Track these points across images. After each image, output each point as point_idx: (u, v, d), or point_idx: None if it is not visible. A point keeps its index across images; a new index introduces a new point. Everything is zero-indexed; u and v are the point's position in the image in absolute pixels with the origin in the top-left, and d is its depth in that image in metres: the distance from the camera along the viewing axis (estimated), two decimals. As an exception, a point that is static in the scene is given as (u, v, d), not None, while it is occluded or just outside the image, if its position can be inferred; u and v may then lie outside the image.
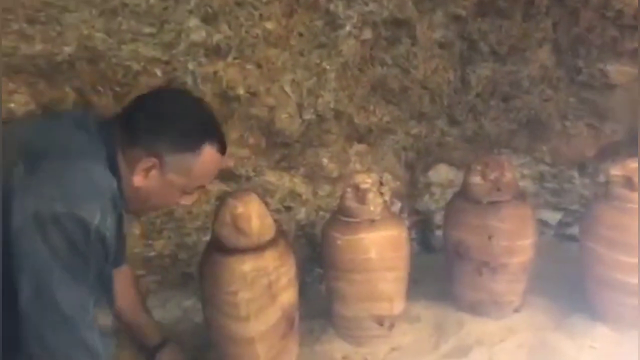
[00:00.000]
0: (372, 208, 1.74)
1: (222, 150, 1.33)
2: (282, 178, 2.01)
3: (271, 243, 1.55)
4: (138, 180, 1.25)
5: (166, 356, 1.63)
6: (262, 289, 1.52)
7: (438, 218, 2.34)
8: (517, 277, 1.85)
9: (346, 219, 1.76)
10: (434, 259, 2.26)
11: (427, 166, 2.34)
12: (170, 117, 1.27)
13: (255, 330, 1.54)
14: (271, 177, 1.98)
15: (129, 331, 1.62)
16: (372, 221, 1.73)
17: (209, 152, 1.29)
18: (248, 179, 1.92)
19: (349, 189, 1.78)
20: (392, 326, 1.80)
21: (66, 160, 1.16)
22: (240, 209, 1.51)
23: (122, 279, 1.51)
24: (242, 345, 1.56)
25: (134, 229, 1.77)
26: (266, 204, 1.96)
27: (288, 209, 2.03)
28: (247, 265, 1.51)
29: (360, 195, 1.75)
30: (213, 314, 1.57)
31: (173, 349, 1.65)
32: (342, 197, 1.79)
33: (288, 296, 1.59)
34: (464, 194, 1.88)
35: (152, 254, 1.83)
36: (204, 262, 1.56)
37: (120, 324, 1.58)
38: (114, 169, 1.22)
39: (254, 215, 1.51)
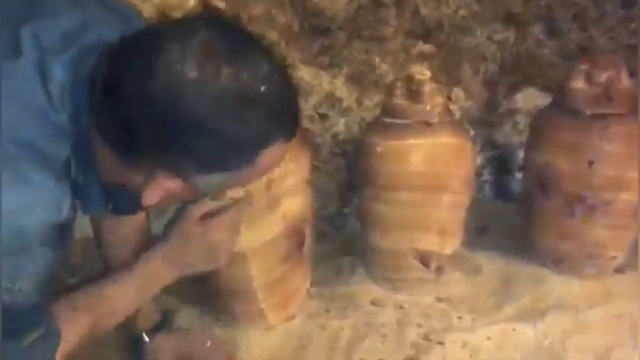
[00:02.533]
0: (428, 107, 1.28)
1: (293, 136, 0.82)
2: (319, 77, 1.58)
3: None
4: (149, 198, 0.80)
5: (166, 344, 1.14)
6: (259, 189, 1.11)
7: (521, 156, 1.84)
8: (624, 222, 1.34)
9: (392, 120, 1.31)
10: (510, 210, 1.78)
11: (513, 87, 1.83)
12: (211, 117, 0.72)
13: (247, 243, 1.13)
14: (305, 73, 1.56)
15: None
16: (427, 124, 1.28)
17: (270, 153, 0.78)
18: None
19: (399, 83, 1.34)
20: (440, 270, 1.35)
21: None
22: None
23: (127, 229, 1.08)
24: (232, 264, 1.15)
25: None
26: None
27: (323, 118, 1.60)
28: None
29: (415, 90, 1.29)
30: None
31: (175, 335, 1.18)
32: (390, 94, 1.34)
33: (295, 205, 1.17)
34: (560, 103, 1.38)
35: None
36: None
37: None
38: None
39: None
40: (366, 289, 1.38)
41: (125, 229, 1.07)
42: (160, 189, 0.79)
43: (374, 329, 1.29)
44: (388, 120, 1.31)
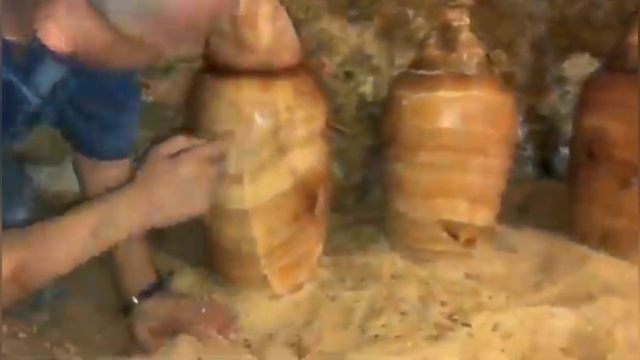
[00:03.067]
0: (464, 57, 1.14)
1: None
2: (345, 30, 1.44)
3: (289, 71, 1.00)
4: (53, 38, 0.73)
5: (156, 308, 1.02)
6: (264, 135, 0.98)
7: (567, 129, 1.67)
8: (686, 196, 1.17)
9: (423, 71, 1.16)
10: (554, 188, 1.61)
11: (563, 52, 1.65)
12: None
13: (250, 198, 1.01)
14: (330, 26, 1.42)
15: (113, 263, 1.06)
16: (462, 76, 1.13)
17: None
18: (297, 23, 1.37)
19: (432, 32, 1.19)
20: (471, 243, 1.20)
21: None
22: (244, 9, 0.97)
23: (111, 177, 1.00)
24: (232, 222, 1.04)
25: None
26: (321, 66, 1.43)
27: (349, 76, 1.46)
28: (244, 92, 0.97)
29: (450, 37, 1.15)
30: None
31: (167, 300, 1.04)
32: (422, 44, 1.20)
33: (306, 159, 1.03)
34: (614, 62, 1.21)
35: (150, 99, 1.35)
36: (192, 91, 1.05)
37: None
38: None
39: (263, 19, 0.97)
40: (387, 260, 1.24)
41: (108, 177, 0.98)
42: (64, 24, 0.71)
43: (393, 304, 1.14)
44: (418, 72, 1.17)
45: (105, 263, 1.15)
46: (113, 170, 1.00)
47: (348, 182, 1.56)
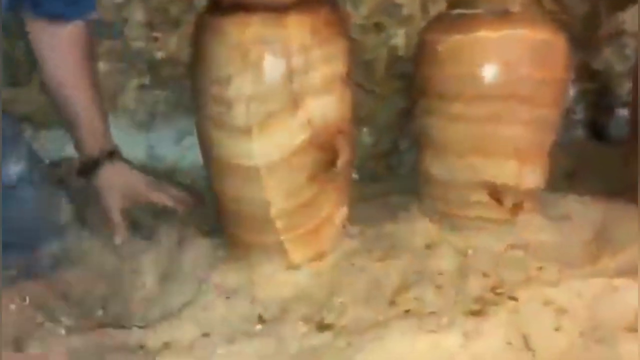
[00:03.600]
0: (507, -8, 0.99)
1: None
2: (373, -25, 1.30)
3: (304, 3, 0.87)
4: None
5: (112, 178, 1.02)
6: (275, 80, 0.85)
7: (625, 88, 1.49)
8: None
9: (460, 10, 1.02)
10: (607, 153, 1.44)
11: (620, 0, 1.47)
12: None
13: (260, 154, 0.88)
14: (356, -30, 1.29)
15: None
16: (505, 13, 0.98)
17: None
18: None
19: (471, -33, 1.04)
20: (517, 209, 1.05)
21: None
22: None
23: (64, 38, 0.99)
24: (241, 181, 0.91)
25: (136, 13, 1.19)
26: (345, 16, 1.30)
27: (379, 27, 1.32)
28: (250, 30, 0.84)
29: (490, -29, 1.00)
30: (202, 124, 0.94)
31: (123, 168, 1.03)
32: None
33: (324, 109, 0.90)
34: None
35: (160, 54, 1.24)
36: (193, 35, 0.93)
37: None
38: None
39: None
40: (420, 228, 1.10)
41: (62, 42, 0.97)
42: None
43: (427, 277, 1.01)
44: (454, 12, 1.02)
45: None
46: (63, 33, 0.99)
47: (377, 148, 1.43)
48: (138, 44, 1.22)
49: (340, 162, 0.95)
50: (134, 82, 1.25)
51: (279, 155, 0.89)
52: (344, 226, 1.03)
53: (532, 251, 1.05)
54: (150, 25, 1.21)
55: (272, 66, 0.84)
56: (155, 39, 1.22)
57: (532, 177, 1.04)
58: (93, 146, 1.02)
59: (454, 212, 1.06)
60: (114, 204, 1.03)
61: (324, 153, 0.92)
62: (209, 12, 0.90)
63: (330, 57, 0.88)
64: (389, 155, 1.44)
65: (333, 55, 0.89)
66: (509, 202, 1.04)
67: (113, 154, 1.03)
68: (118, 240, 1.04)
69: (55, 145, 1.26)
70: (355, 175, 1.46)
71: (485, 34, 0.97)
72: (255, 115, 0.86)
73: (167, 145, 1.30)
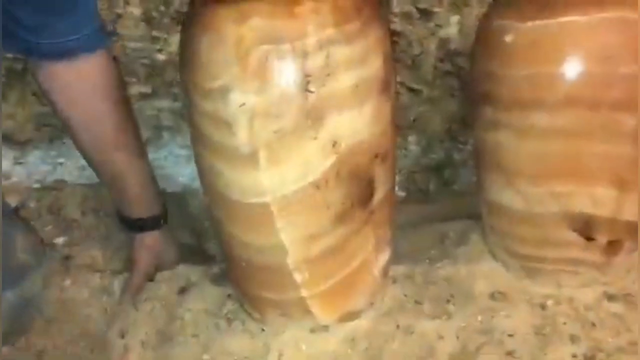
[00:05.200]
0: (599, -38, 0.73)
1: None
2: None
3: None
4: None
5: (151, 244, 0.92)
6: (286, 90, 0.63)
7: None
8: None
9: (532, -9, 0.77)
10: None
11: None
12: None
13: (270, 186, 0.66)
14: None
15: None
16: (595, -9, 0.73)
17: None
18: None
19: None
20: (615, 247, 0.79)
21: None
22: None
23: (88, 72, 0.81)
24: (248, 221, 0.70)
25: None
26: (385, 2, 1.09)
27: (426, 15, 1.07)
28: (251, 24, 0.62)
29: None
30: (197, 148, 0.72)
31: (163, 236, 0.93)
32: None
33: (355, 123, 0.67)
34: None
35: (162, 57, 1.03)
36: (183, 30, 0.71)
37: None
38: None
39: None
40: (483, 271, 0.86)
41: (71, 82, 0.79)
42: None
43: (495, 340, 0.77)
44: (526, -8, 0.77)
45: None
46: (75, 72, 0.80)
47: (427, 160, 1.19)
48: (135, 45, 1.02)
49: (378, 196, 0.72)
50: (134, 91, 1.05)
51: (295, 188, 0.66)
52: (385, 274, 0.80)
53: (635, 305, 0.80)
54: (148, 22, 1.01)
55: (282, 71, 0.62)
56: (155, 39, 1.01)
57: (633, 207, 0.78)
58: (138, 211, 0.91)
59: (529, 252, 0.82)
60: (143, 267, 0.91)
61: (355, 184, 0.69)
62: (200, 1, 0.68)
63: (361, 55, 0.65)
64: (440, 168, 1.20)
65: (365, 53, 0.66)
66: (603, 239, 0.78)
67: (158, 220, 0.92)
68: (125, 298, 0.89)
69: (45, 167, 1.07)
70: (400, 193, 1.23)
71: (574, 19, 0.71)
72: (262, 137, 0.64)
73: (177, 164, 1.10)
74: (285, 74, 0.62)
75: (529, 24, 0.74)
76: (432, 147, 1.19)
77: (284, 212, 0.68)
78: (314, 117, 0.64)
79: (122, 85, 0.87)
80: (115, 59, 0.88)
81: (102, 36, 0.81)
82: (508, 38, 0.76)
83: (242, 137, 0.65)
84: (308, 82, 0.63)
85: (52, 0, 0.73)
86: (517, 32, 0.75)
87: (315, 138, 0.65)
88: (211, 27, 0.64)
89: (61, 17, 0.75)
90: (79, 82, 0.80)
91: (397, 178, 1.23)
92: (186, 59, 0.67)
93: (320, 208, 0.68)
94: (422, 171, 1.20)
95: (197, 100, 0.67)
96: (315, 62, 0.62)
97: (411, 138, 1.18)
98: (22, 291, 0.80)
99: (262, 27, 0.62)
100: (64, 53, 0.78)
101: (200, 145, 0.71)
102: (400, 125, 1.17)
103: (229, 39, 0.62)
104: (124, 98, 0.86)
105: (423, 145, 1.18)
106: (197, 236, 1.10)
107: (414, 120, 1.16)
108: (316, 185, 0.67)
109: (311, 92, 0.63)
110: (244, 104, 0.63)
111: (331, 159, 0.66)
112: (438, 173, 1.20)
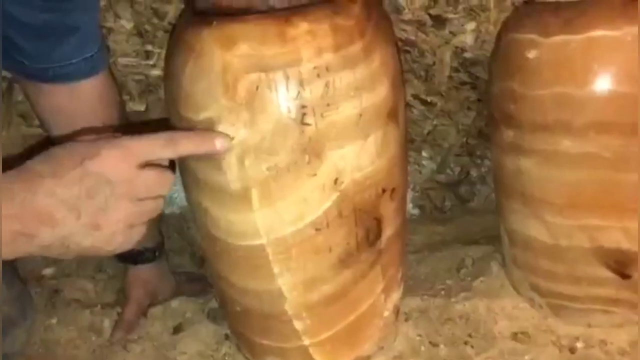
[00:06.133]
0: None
1: None
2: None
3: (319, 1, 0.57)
4: None
5: (146, 277, 0.86)
6: (280, 122, 0.56)
7: None
8: None
9: (558, -1, 0.69)
10: None
11: None
12: None
13: (265, 227, 0.59)
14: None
15: None
16: (628, 1, 0.65)
17: None
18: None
19: None
20: (653, 285, 0.72)
21: None
22: None
23: (87, 94, 0.75)
24: (242, 265, 0.63)
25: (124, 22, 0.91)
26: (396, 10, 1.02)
27: (440, 22, 0.99)
28: (239, 48, 0.55)
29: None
30: (186, 185, 0.65)
31: (159, 269, 0.88)
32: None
33: (362, 155, 0.59)
34: None
35: (155, 73, 0.96)
36: (167, 52, 0.64)
37: None
38: None
39: None
40: (505, 308, 0.78)
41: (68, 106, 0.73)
42: None
43: (519, 388, 0.70)
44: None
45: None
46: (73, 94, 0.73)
47: (441, 176, 1.11)
48: (127, 60, 0.95)
49: (387, 234, 0.65)
50: (126, 109, 0.98)
51: (292, 229, 0.59)
52: (396, 313, 0.73)
53: (675, 347, 0.72)
54: (140, 36, 0.94)
55: (274, 102, 0.55)
56: (149, 53, 0.94)
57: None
58: None
59: (557, 288, 0.74)
60: (136, 303, 0.85)
61: (360, 224, 0.61)
62: (184, 21, 0.61)
63: (365, 81, 0.57)
64: (456, 185, 1.12)
65: (370, 78, 0.58)
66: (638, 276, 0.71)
67: (153, 252, 0.86)
68: (117, 335, 0.81)
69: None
70: (413, 211, 1.15)
71: (604, 34, 0.63)
72: (254, 175, 0.57)
73: (175, 184, 1.04)
74: (279, 105, 0.55)
75: (554, 38, 0.66)
76: (447, 163, 1.10)
77: (281, 255, 0.60)
78: (312, 152, 0.57)
79: (120, 106, 0.81)
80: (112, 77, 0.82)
81: (102, 57, 0.76)
82: (530, 54, 0.68)
83: (232, 175, 0.58)
84: (304, 114, 0.55)
85: (53, 29, 0.67)
86: (540, 47, 0.67)
87: (314, 175, 0.58)
88: (195, 52, 0.56)
89: (62, 43, 0.69)
90: (77, 103, 0.74)
91: (410, 195, 1.16)
92: (169, 86, 0.60)
93: (321, 251, 0.61)
94: (437, 188, 1.12)
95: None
96: (313, 91, 0.55)
97: (425, 153, 1.10)
98: (3, 348, 0.73)
99: (252, 52, 0.54)
100: (62, 77, 0.72)
101: (187, 180, 0.64)
102: (413, 139, 1.09)
103: (215, 66, 0.55)
104: (122, 119, 0.81)
105: (438, 160, 1.10)
106: (196, 261, 1.04)
107: (427, 134, 1.08)
108: (316, 226, 0.59)
109: (308, 124, 0.56)
110: (232, 138, 0.56)
111: (332, 198, 0.59)
112: (454, 190, 1.12)
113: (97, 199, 0.49)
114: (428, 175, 1.13)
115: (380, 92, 0.59)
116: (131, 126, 0.82)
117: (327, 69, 0.55)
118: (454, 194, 1.13)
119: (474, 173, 1.11)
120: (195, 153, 0.55)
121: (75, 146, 0.51)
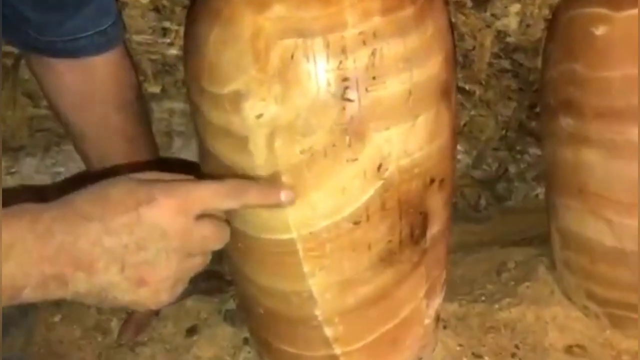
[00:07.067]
0: None
1: None
2: None
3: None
4: None
5: None
6: (318, 97, 0.48)
7: None
8: None
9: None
10: None
11: None
12: None
13: (296, 220, 0.51)
14: None
15: None
16: None
17: None
18: None
19: None
20: None
21: None
22: None
23: (99, 73, 0.69)
24: (269, 262, 0.55)
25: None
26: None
27: (481, 4, 0.92)
28: (272, 12, 0.47)
29: None
30: (208, 169, 0.58)
31: None
32: None
33: (410, 139, 0.52)
34: None
35: (173, 52, 0.89)
36: (188, 21, 0.57)
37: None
38: None
39: None
40: (556, 317, 0.71)
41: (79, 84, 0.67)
42: None
43: (573, 408, 0.62)
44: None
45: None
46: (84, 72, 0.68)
47: (478, 171, 1.04)
48: (143, 38, 0.89)
49: (433, 231, 0.57)
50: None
51: (327, 223, 0.52)
52: (437, 321, 0.65)
53: None
54: (157, 11, 0.87)
55: (311, 74, 0.47)
56: (166, 31, 0.87)
57: None
58: None
59: (617, 296, 0.66)
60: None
61: (405, 218, 0.54)
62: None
63: (417, 52, 0.50)
64: (493, 181, 1.04)
65: (422, 48, 0.50)
66: None
67: None
68: (125, 337, 0.74)
69: (40, 178, 0.95)
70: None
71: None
72: (285, 159, 0.50)
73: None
74: (317, 77, 0.47)
75: (627, 12, 0.59)
76: (484, 157, 1.03)
77: (313, 252, 0.53)
78: (353, 133, 0.49)
79: (137, 87, 0.75)
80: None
81: (118, 32, 0.70)
82: (598, 31, 0.60)
83: (259, 159, 0.50)
84: (346, 88, 0.48)
85: None
86: (610, 22, 0.59)
87: (354, 160, 0.50)
88: (221, 16, 0.49)
89: (72, 14, 0.63)
90: (88, 83, 0.69)
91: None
92: (191, 57, 0.53)
93: (360, 248, 0.53)
94: (473, 185, 1.04)
95: (204, 110, 0.53)
96: (357, 61, 0.47)
97: (460, 146, 1.02)
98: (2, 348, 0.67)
99: (287, 15, 0.47)
100: (73, 51, 0.66)
101: (209, 165, 0.57)
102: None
103: (244, 32, 0.48)
104: (138, 102, 0.75)
105: (474, 154, 1.03)
106: (213, 257, 0.96)
107: (464, 126, 1.01)
108: (354, 220, 0.52)
109: (350, 100, 0.48)
110: (262, 115, 0.48)
111: (375, 187, 0.51)
112: (490, 187, 1.04)
113: (146, 252, 0.44)
114: (463, 170, 1.05)
115: (434, 67, 0.52)
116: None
117: (375, 35, 0.48)
118: (490, 191, 1.05)
119: (512, 169, 1.03)
120: (259, 206, 0.50)
121: (131, 186, 0.45)
